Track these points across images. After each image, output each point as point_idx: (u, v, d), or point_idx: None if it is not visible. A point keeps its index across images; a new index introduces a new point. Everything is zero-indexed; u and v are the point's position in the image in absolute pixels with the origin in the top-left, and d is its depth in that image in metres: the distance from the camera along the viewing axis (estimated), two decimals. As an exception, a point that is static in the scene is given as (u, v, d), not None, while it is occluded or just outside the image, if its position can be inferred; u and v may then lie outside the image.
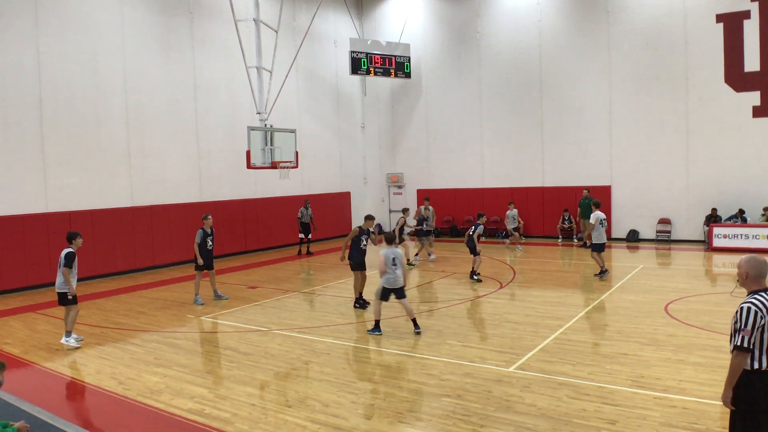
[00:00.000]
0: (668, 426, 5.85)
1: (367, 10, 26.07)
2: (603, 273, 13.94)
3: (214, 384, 7.64)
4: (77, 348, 9.48)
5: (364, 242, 11.79)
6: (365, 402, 6.86)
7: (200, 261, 12.35)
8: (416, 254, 17.89)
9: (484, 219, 14.64)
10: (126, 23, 16.91)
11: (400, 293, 9.78)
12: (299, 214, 19.80)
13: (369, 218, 12.02)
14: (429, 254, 17.84)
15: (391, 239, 10.16)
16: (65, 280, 9.46)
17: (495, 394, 6.88)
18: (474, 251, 14.22)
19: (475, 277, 14.19)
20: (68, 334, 9.67)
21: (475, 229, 14.13)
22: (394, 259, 9.70)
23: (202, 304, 12.47)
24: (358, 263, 11.73)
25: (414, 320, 9.76)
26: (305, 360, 8.60)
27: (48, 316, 11.96)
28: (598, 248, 14.00)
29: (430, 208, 18.09)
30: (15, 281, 14.51)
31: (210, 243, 12.57)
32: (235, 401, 7.00)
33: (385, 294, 9.76)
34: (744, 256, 4.46)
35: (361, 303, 11.70)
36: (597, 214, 13.93)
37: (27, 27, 14.74)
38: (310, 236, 19.97)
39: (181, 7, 18.43)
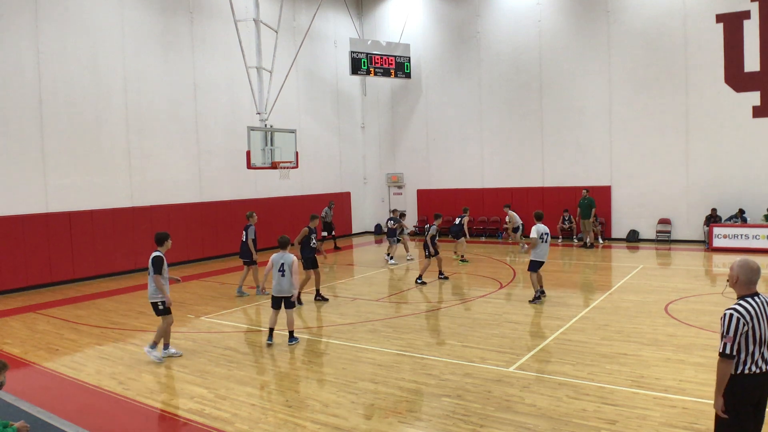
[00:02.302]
0: (668, 426, 5.86)
1: (367, 10, 26.06)
2: (537, 298, 11.62)
3: (214, 384, 7.64)
4: (159, 362, 8.56)
5: (314, 241, 12.19)
6: (365, 402, 6.86)
7: (256, 256, 13.10)
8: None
9: (439, 221, 14.52)
10: (126, 23, 16.90)
11: (287, 303, 9.21)
12: (323, 213, 20.34)
13: (314, 217, 12.48)
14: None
15: (284, 243, 9.34)
16: (157, 288, 8.53)
17: (495, 394, 6.88)
18: (428, 253, 14.01)
19: (420, 281, 14.07)
20: (153, 345, 8.69)
21: (428, 230, 14.18)
22: (282, 265, 9.06)
23: (247, 295, 13.15)
24: (310, 261, 12.19)
25: (291, 332, 9.35)
26: (305, 360, 8.60)
27: (48, 316, 11.97)
28: (536, 267, 11.53)
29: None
30: (15, 281, 14.51)
31: None
32: (235, 401, 7.00)
33: (273, 302, 9.37)
34: (738, 260, 4.45)
35: (320, 297, 12.48)
36: (538, 228, 11.40)
37: (27, 27, 14.74)
38: (334, 233, 21.22)
39: (181, 7, 18.42)
